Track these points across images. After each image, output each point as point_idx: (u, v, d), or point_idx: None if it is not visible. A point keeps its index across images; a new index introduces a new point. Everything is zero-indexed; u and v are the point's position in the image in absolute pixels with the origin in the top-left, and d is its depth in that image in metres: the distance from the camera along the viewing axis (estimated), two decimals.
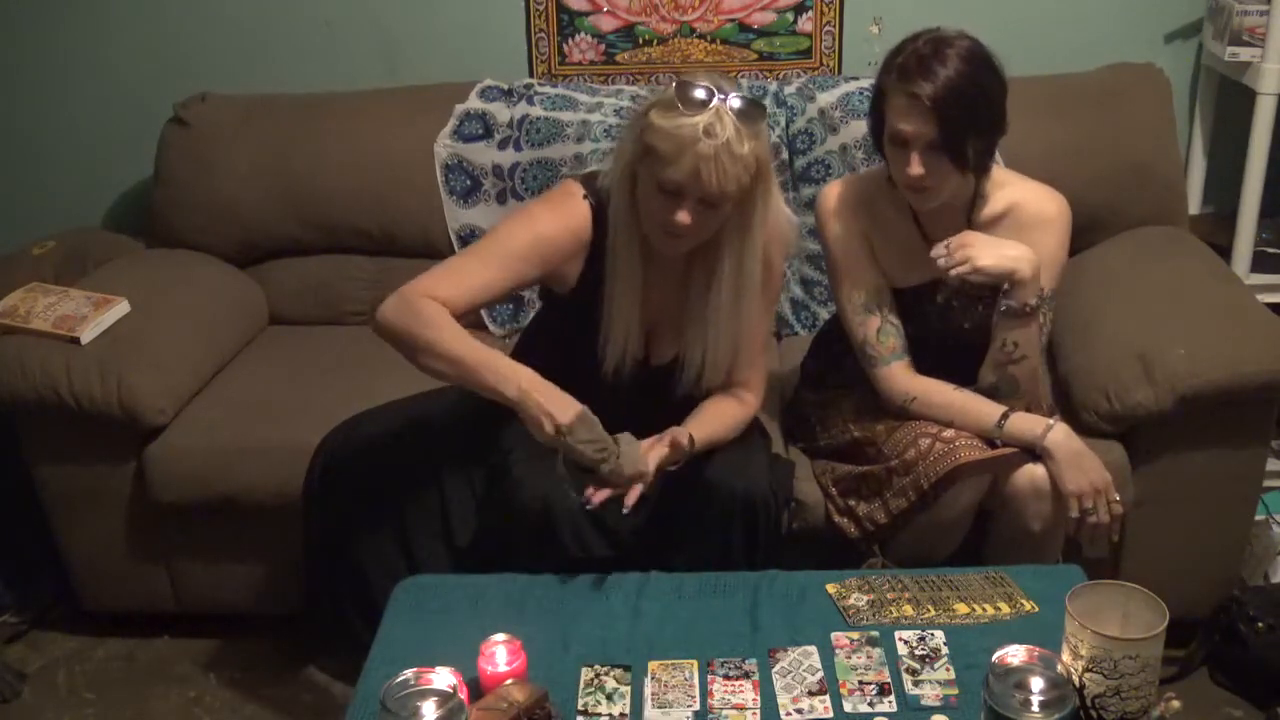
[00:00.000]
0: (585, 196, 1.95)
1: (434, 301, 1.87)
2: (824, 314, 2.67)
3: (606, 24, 2.91)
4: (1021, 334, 2.00)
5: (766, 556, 1.97)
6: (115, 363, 2.31)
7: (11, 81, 3.02)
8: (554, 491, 1.86)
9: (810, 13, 2.87)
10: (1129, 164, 2.60)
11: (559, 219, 1.94)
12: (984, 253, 1.94)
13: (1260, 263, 2.68)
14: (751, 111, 1.81)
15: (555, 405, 1.79)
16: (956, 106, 1.87)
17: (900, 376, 2.08)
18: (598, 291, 1.95)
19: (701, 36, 2.90)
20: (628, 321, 1.95)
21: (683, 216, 1.82)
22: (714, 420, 2.01)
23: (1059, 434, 1.97)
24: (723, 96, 1.78)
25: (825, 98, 2.69)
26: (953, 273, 1.95)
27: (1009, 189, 2.06)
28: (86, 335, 2.35)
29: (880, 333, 2.08)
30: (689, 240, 1.88)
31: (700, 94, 1.78)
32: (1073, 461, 1.96)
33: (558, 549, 1.90)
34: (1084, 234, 2.40)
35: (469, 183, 2.76)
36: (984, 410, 2.02)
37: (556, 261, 1.95)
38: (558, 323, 2.06)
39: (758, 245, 1.93)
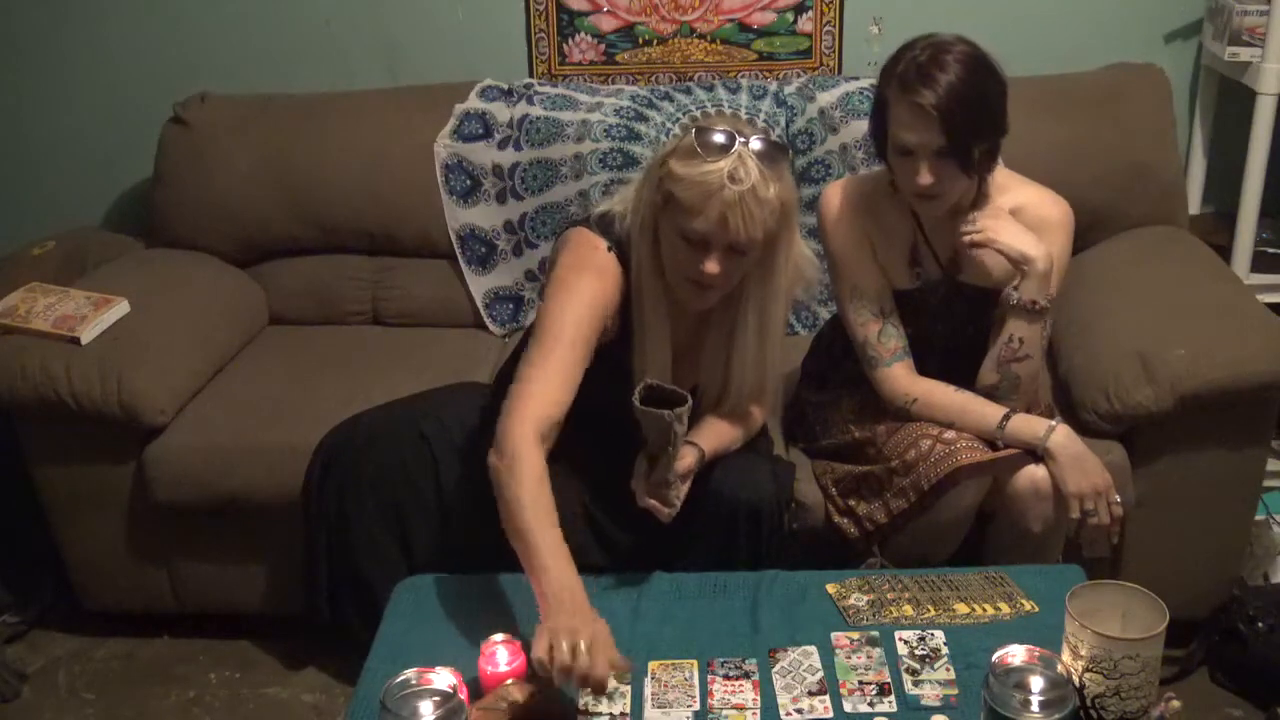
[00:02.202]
0: (609, 248, 1.89)
1: (532, 448, 1.72)
2: (824, 314, 2.66)
3: (606, 24, 2.90)
4: (1027, 330, 1.99)
5: (769, 561, 1.96)
6: (115, 363, 2.31)
7: (12, 81, 3.02)
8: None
9: (810, 13, 2.86)
10: (1129, 164, 2.60)
11: (598, 279, 1.87)
12: (1006, 231, 1.95)
13: (1260, 263, 2.68)
14: (774, 153, 1.77)
15: (578, 619, 1.58)
16: (960, 112, 1.86)
17: (901, 378, 2.08)
18: (628, 341, 1.91)
19: (701, 36, 2.90)
20: (658, 373, 1.89)
21: (711, 266, 1.78)
22: (723, 434, 1.99)
23: (1061, 436, 1.97)
24: (743, 140, 1.74)
25: (825, 98, 2.69)
26: (966, 239, 1.96)
27: (1013, 192, 2.05)
28: (86, 335, 2.35)
29: (881, 334, 2.08)
30: (717, 292, 1.85)
31: (720, 138, 1.74)
32: (1074, 463, 1.96)
33: None
34: (1084, 234, 2.39)
35: (469, 182, 2.76)
36: (985, 412, 2.02)
37: (609, 317, 1.89)
38: (588, 374, 1.90)
39: (781, 290, 1.90)
